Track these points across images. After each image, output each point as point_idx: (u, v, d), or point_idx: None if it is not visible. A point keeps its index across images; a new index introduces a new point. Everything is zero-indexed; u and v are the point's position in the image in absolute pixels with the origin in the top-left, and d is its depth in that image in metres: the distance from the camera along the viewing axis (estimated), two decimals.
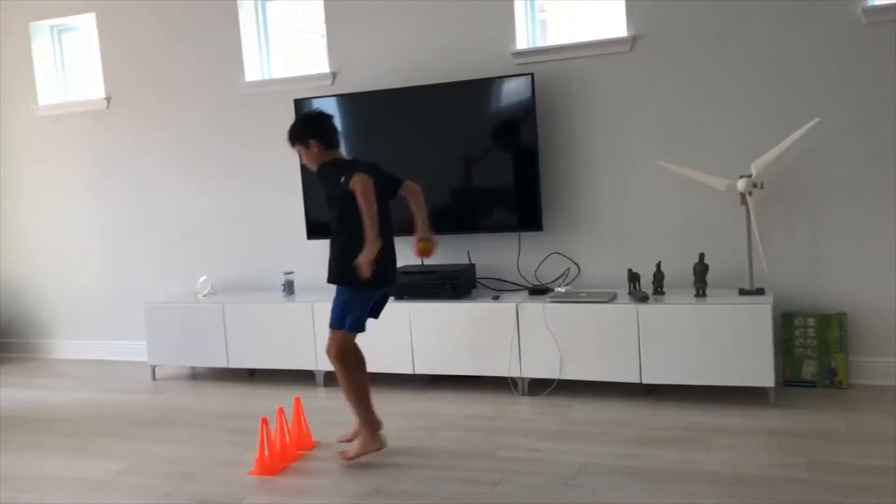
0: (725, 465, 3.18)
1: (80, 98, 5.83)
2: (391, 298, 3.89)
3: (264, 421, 3.44)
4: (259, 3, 5.30)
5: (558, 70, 4.50)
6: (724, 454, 3.29)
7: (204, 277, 5.28)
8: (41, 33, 5.86)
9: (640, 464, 3.24)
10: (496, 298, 4.37)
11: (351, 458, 3.46)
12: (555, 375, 4.16)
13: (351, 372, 3.45)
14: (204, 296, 5.21)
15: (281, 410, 3.57)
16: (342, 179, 3.20)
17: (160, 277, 5.59)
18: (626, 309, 4.03)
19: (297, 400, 3.73)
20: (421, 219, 3.51)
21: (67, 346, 5.99)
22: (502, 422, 3.90)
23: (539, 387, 4.25)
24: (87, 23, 5.71)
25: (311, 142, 3.36)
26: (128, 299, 5.66)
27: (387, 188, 3.42)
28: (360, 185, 3.15)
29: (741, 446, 3.37)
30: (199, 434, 4.00)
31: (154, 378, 5.17)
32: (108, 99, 5.61)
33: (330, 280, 3.41)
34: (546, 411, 4.00)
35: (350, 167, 3.29)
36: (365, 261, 3.16)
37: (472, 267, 4.65)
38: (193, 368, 5.30)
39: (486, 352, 4.29)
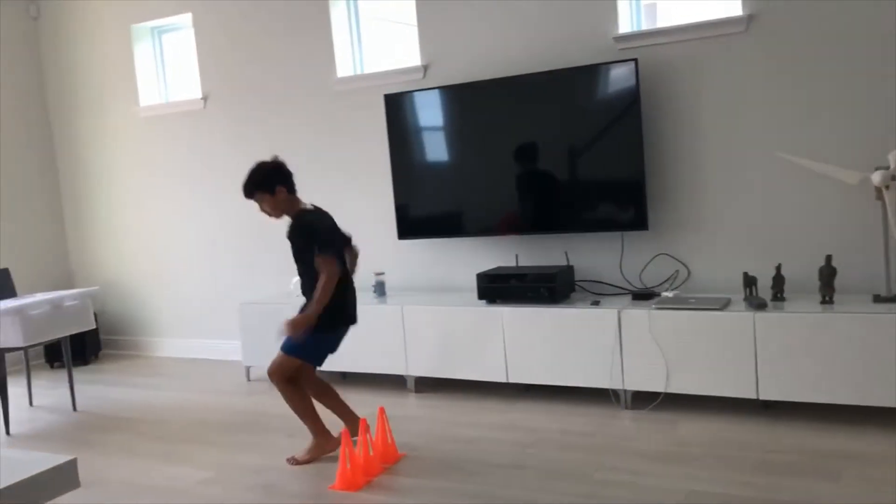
0: (858, 499, 2.78)
1: (178, 98, 5.88)
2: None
3: (346, 434, 3.29)
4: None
5: (665, 55, 4.13)
6: (857, 486, 2.90)
7: (297, 278, 5.18)
8: (142, 35, 5.94)
9: (757, 494, 2.89)
10: (596, 303, 4.06)
11: (300, 462, 3.54)
12: (660, 388, 3.83)
13: (292, 388, 3.55)
14: (297, 296, 5.12)
15: (364, 423, 3.40)
16: (316, 250, 3.38)
17: (256, 277, 5.56)
18: (741, 317, 3.65)
19: (382, 410, 3.56)
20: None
21: (169, 345, 6.08)
22: (601, 438, 3.60)
23: (643, 400, 3.92)
24: (186, 23, 5.74)
25: (279, 188, 3.46)
26: (225, 298, 5.66)
27: (341, 236, 3.62)
28: (325, 275, 3.35)
29: (877, 478, 2.95)
30: (287, 442, 3.89)
31: (248, 379, 5.14)
32: (204, 98, 5.62)
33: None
34: (650, 428, 3.68)
35: (314, 233, 3.44)
36: (296, 327, 3.36)
37: (570, 269, 4.36)
38: None
39: (585, 361, 3.99)
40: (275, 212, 3.55)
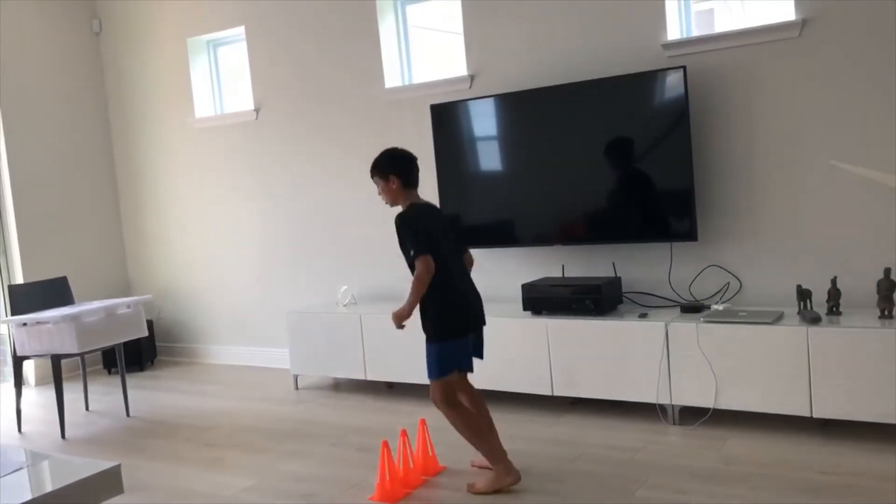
0: None
1: (232, 110, 5.99)
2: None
3: (386, 445, 3.28)
4: (399, 9, 5.18)
5: (715, 62, 4.03)
6: None
7: (345, 287, 5.24)
8: (198, 48, 6.07)
9: None
10: (644, 316, 3.97)
11: (479, 492, 3.23)
12: (709, 404, 3.72)
13: (461, 413, 3.29)
14: (344, 305, 5.17)
15: (404, 433, 3.39)
16: (411, 253, 3.22)
17: (305, 285, 5.62)
18: (794, 332, 3.52)
19: (423, 422, 3.54)
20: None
21: (221, 352, 6.18)
22: (647, 454, 3.51)
23: (691, 416, 3.81)
24: (239, 35, 5.85)
25: (392, 177, 3.35)
26: (275, 307, 5.73)
27: (453, 233, 3.46)
28: (418, 271, 3.18)
29: None
30: (330, 451, 3.91)
31: (297, 388, 5.19)
32: (256, 110, 5.71)
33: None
34: (698, 445, 3.57)
35: (404, 227, 3.28)
36: (397, 318, 3.26)
37: (617, 280, 4.28)
38: (335, 379, 5.26)
39: (632, 375, 3.91)
40: (386, 198, 3.41)
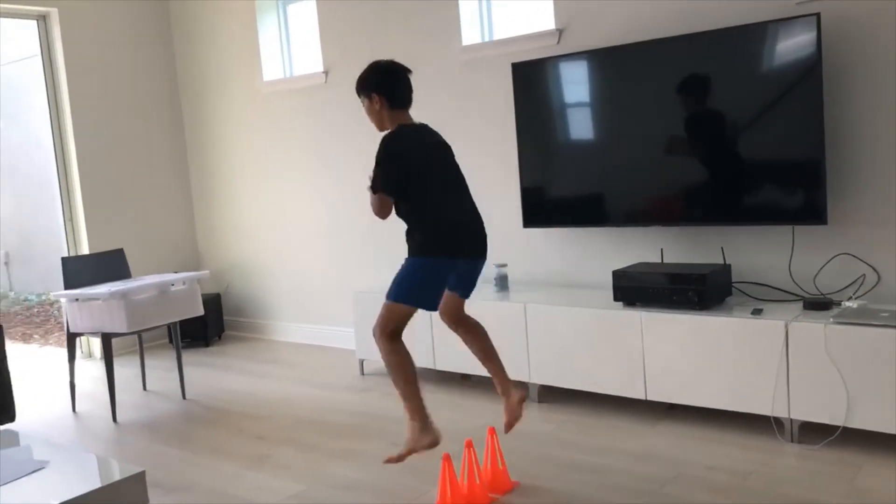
0: None
1: (300, 73, 5.59)
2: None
3: (447, 458, 2.82)
4: None
5: (857, 9, 3.33)
6: None
7: None
8: (267, 8, 5.68)
9: None
10: (758, 312, 3.36)
11: (398, 460, 2.87)
12: (838, 422, 3.09)
13: (399, 353, 2.88)
14: None
15: (470, 444, 2.91)
16: (369, 177, 2.87)
17: (372, 263, 5.20)
18: None
19: (492, 431, 3.05)
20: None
21: (288, 329, 5.86)
22: (758, 480, 2.93)
23: (813, 433, 3.19)
24: None
25: (376, 96, 2.93)
26: (343, 284, 5.35)
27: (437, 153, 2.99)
28: (372, 204, 2.89)
29: None
30: (389, 453, 3.47)
31: (363, 373, 4.79)
32: (326, 72, 5.29)
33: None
34: (822, 471, 2.96)
35: (387, 161, 2.86)
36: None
37: (726, 268, 3.66)
38: None
39: (742, 381, 3.31)
40: (373, 121, 3.01)
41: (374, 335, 2.92)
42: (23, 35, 6.39)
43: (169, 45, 6.21)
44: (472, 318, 3.20)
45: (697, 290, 3.46)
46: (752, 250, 3.70)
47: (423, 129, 3.03)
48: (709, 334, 3.40)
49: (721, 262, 3.70)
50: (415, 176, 2.84)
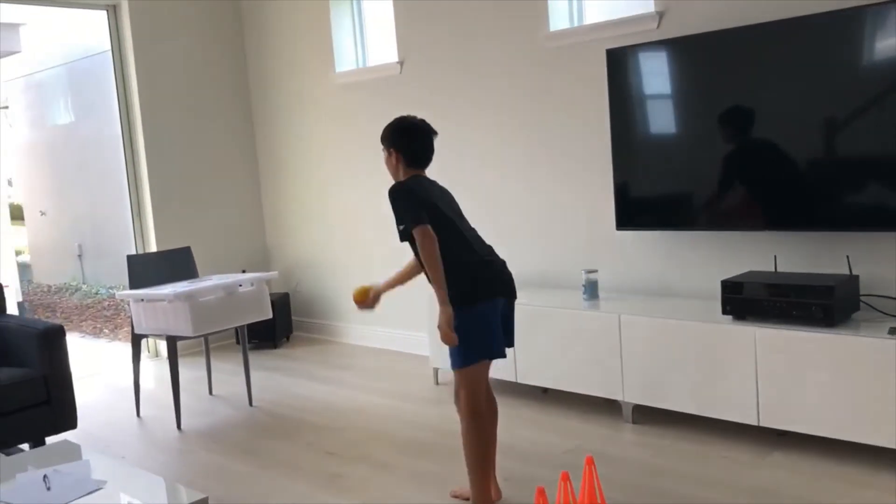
0: None
1: (374, 63, 5.32)
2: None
3: (541, 493, 2.50)
4: None
5: None
6: None
7: None
8: None
9: None
10: (894, 331, 2.93)
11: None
12: None
13: (480, 430, 2.80)
14: None
15: (566, 477, 2.58)
16: (407, 225, 2.72)
17: None
18: None
19: (590, 461, 2.71)
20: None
21: (358, 331, 5.61)
22: None
23: None
24: None
25: (394, 152, 2.89)
26: (416, 286, 5.04)
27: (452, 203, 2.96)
28: (420, 243, 2.71)
29: None
30: (465, 478, 3.18)
31: (437, 382, 4.51)
32: (401, 63, 5.01)
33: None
34: None
35: (407, 204, 2.76)
36: (441, 328, 2.73)
37: (853, 279, 3.23)
38: None
39: (871, 410, 2.90)
40: (388, 171, 2.96)
41: (456, 407, 2.87)
42: (97, 29, 6.31)
43: (239, 39, 6.03)
44: (491, 390, 3.02)
45: (823, 305, 3.05)
46: (883, 260, 3.26)
47: (434, 182, 2.99)
48: (835, 355, 2.99)
49: (846, 272, 3.27)
50: (434, 217, 2.75)
